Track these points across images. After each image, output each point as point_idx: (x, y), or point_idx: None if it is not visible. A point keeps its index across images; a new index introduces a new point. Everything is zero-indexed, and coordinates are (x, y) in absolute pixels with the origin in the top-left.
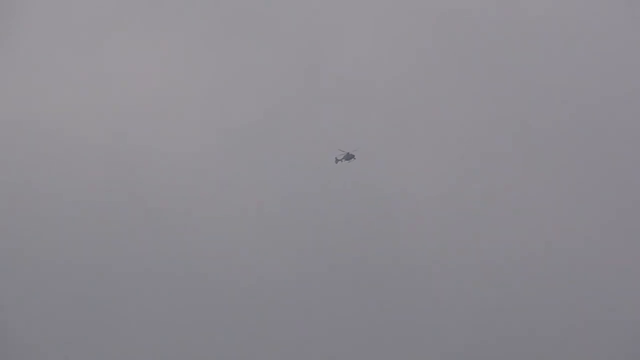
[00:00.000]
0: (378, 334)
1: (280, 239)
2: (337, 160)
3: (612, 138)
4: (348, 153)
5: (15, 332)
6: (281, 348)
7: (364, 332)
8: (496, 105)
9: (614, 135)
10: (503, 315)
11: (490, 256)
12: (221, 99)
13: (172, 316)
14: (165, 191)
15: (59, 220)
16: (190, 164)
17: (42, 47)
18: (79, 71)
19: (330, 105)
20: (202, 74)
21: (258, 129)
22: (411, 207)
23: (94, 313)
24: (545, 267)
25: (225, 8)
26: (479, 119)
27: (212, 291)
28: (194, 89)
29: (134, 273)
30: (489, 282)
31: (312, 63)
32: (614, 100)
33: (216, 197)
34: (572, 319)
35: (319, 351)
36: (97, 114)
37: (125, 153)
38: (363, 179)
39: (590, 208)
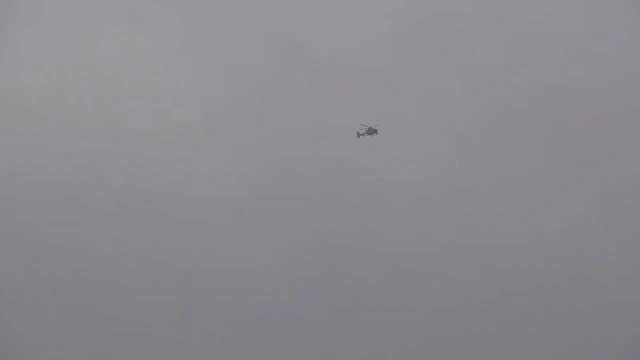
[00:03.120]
0: (369, 324)
1: (267, 224)
2: (359, 135)
3: (598, 132)
4: (370, 127)
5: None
6: (269, 341)
7: (355, 324)
8: (483, 96)
9: (600, 129)
10: (495, 305)
11: (480, 244)
12: (205, 84)
13: (162, 306)
14: (154, 177)
15: (45, 207)
16: (176, 147)
17: (31, 35)
18: (67, 59)
19: (314, 91)
20: (186, 60)
21: (242, 112)
22: (397, 196)
23: (80, 300)
24: (536, 256)
25: None
26: (466, 110)
27: (203, 278)
28: (179, 74)
29: (123, 262)
30: (478, 271)
31: (295, 48)
32: (595, 96)
33: (203, 182)
34: (561, 309)
35: (308, 344)
36: (84, 100)
37: (112, 139)
38: (348, 163)
39: (581, 199)
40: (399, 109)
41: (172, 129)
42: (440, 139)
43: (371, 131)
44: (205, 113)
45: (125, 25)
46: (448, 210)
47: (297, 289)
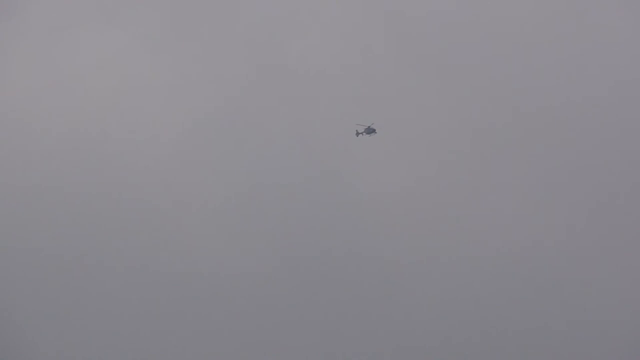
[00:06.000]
0: (364, 327)
1: (251, 227)
2: (357, 134)
3: (594, 136)
4: (369, 127)
5: None
6: (263, 343)
7: (349, 326)
8: (459, 102)
9: (596, 133)
10: (476, 309)
11: (475, 249)
12: (187, 90)
13: (145, 304)
14: (145, 182)
15: (31, 208)
16: (165, 151)
17: (12, 39)
18: (50, 66)
19: (304, 94)
20: (168, 66)
21: (232, 114)
22: (375, 200)
23: (63, 300)
24: (531, 259)
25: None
26: (445, 116)
27: (185, 279)
28: (161, 80)
29: (105, 262)
30: (471, 275)
31: (284, 50)
32: (593, 99)
33: (194, 186)
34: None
35: (305, 345)
36: (63, 106)
37: (96, 143)
38: (343, 167)
39: (575, 204)
40: (393, 114)
41: (157, 133)
42: (435, 145)
43: (370, 130)
44: (192, 116)
45: (106, 30)
46: (443, 214)
47: (291, 293)
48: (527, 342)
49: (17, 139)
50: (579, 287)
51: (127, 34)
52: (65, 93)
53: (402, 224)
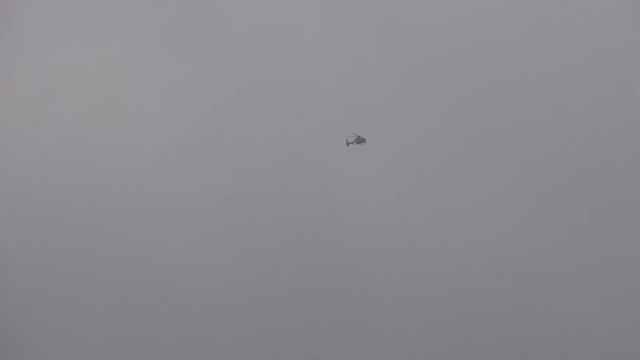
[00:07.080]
0: (346, 340)
1: (247, 231)
2: (348, 143)
3: (587, 141)
4: (359, 137)
5: None
6: (251, 341)
7: (331, 339)
8: (456, 105)
9: (560, 139)
10: (455, 321)
11: (438, 263)
12: (175, 98)
13: (120, 316)
14: (135, 182)
15: (28, 211)
16: (145, 161)
17: (8, 43)
18: (46, 70)
19: (288, 105)
20: (157, 73)
21: (214, 126)
22: (370, 206)
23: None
24: (518, 263)
25: (180, 8)
26: (428, 123)
27: (168, 291)
28: (150, 87)
29: (84, 270)
30: (457, 277)
31: (262, 64)
32: (559, 102)
33: (181, 188)
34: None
35: (290, 345)
36: (45, 116)
37: (93, 146)
38: (324, 174)
39: (560, 207)
40: (385, 123)
41: (154, 137)
42: (432, 145)
43: (360, 140)
44: (185, 122)
45: (104, 35)
46: (440, 218)
47: (288, 296)
48: (528, 342)
49: (15, 141)
50: (579, 289)
51: (125, 40)
52: (63, 96)
53: (400, 229)
